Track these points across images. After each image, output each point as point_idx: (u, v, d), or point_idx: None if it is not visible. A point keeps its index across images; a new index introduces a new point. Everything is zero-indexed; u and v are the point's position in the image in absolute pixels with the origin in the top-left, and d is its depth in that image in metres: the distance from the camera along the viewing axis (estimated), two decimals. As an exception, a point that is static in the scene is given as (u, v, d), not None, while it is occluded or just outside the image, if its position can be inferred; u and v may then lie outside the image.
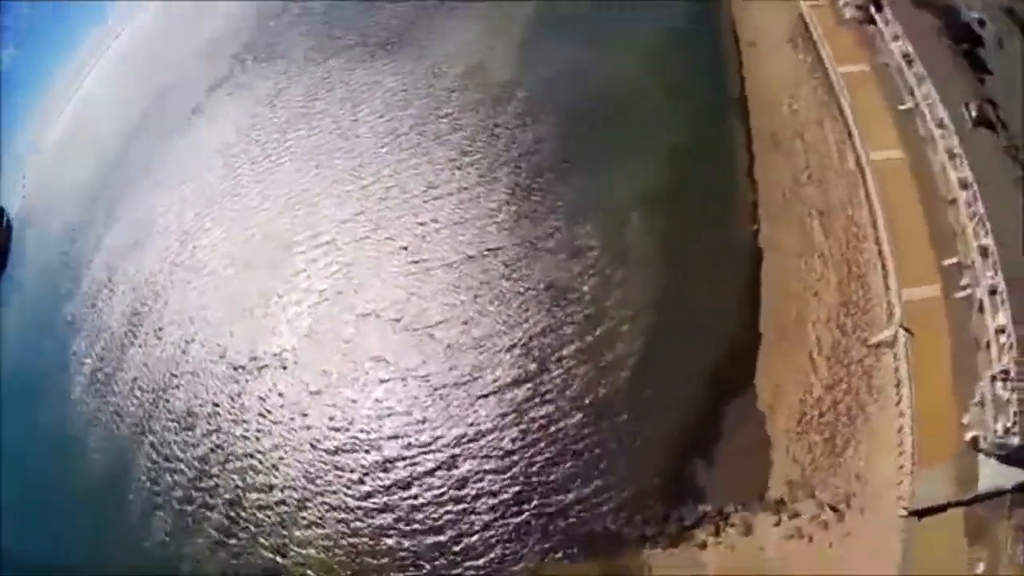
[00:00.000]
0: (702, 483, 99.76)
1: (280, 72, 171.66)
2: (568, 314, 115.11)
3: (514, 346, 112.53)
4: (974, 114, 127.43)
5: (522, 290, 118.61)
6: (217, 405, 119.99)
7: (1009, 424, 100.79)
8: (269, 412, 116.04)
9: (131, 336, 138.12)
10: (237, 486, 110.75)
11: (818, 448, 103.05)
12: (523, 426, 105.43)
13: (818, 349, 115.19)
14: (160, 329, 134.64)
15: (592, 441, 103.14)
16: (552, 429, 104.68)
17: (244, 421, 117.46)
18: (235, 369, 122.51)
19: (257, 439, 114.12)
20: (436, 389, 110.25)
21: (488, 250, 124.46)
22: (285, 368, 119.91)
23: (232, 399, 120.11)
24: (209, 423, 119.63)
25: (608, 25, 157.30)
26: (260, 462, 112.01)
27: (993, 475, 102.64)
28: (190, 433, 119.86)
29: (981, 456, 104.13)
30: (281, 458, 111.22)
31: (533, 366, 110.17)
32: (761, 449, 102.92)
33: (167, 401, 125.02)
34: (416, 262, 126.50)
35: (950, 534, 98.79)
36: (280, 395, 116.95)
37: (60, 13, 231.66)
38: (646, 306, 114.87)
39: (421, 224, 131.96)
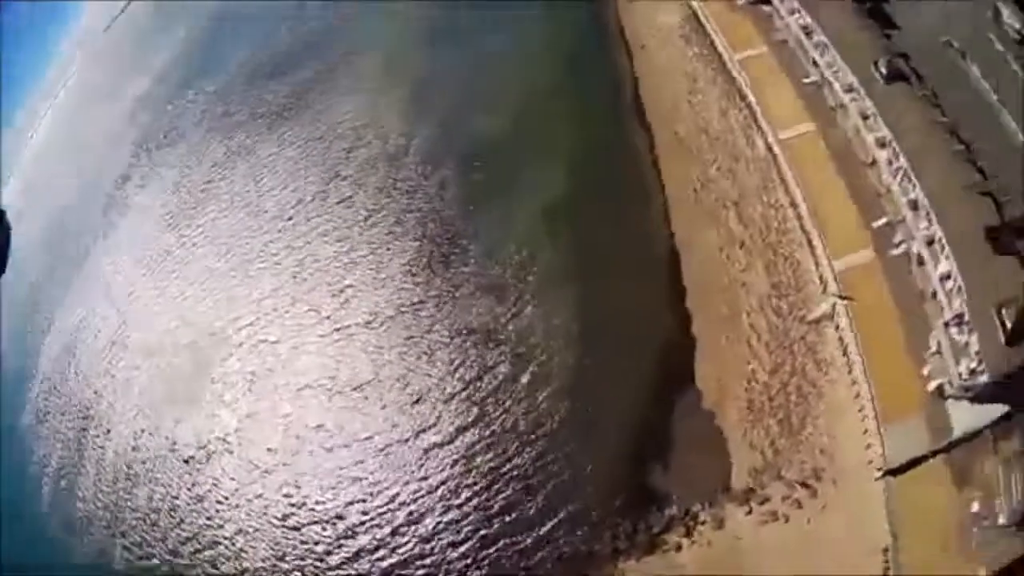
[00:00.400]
0: (663, 489, 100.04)
1: (183, 155, 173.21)
2: (498, 355, 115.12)
3: (452, 396, 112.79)
4: (884, 71, 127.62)
5: (447, 339, 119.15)
6: (176, 497, 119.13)
7: (973, 364, 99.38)
8: (226, 498, 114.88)
9: (82, 442, 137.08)
10: (209, 575, 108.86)
11: (774, 431, 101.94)
12: (475, 472, 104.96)
13: (756, 336, 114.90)
14: (108, 431, 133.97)
15: (546, 474, 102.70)
16: (504, 470, 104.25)
17: (205, 510, 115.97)
18: (186, 461, 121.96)
19: (220, 526, 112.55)
20: (381, 450, 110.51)
21: (407, 306, 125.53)
22: (231, 452, 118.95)
23: (189, 489, 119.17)
24: (172, 516, 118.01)
25: (496, 50, 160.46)
26: (227, 548, 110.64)
27: (967, 417, 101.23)
28: (157, 528, 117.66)
29: (950, 402, 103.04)
30: (248, 542, 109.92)
31: (474, 412, 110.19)
32: (716, 444, 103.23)
33: (129, 499, 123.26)
34: (339, 329, 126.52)
35: (935, 485, 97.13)
36: (232, 479, 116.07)
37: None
38: (572, 331, 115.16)
39: (338, 290, 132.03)
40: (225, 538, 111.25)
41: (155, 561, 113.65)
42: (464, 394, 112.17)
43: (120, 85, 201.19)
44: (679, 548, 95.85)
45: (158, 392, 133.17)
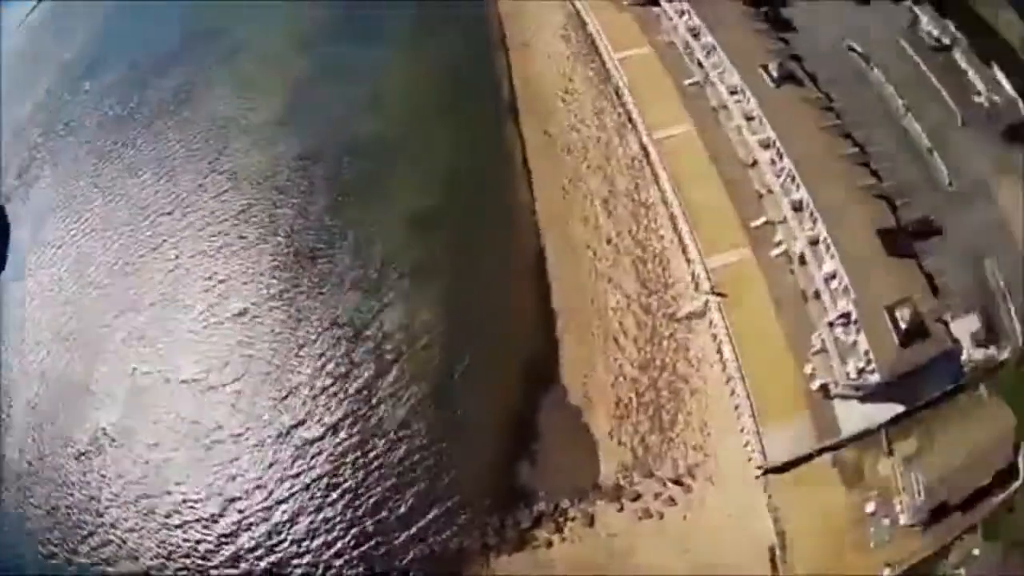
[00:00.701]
0: (531, 485, 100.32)
1: (75, 148, 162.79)
2: (365, 352, 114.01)
3: (322, 392, 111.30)
4: (775, 74, 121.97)
5: (316, 334, 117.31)
6: (71, 495, 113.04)
7: (862, 364, 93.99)
8: (116, 495, 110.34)
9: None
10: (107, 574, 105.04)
11: (644, 428, 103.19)
12: (346, 471, 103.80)
13: (623, 333, 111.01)
14: (7, 428, 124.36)
15: (415, 473, 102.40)
16: (374, 468, 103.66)
17: (97, 508, 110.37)
18: (77, 458, 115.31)
19: (113, 525, 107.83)
20: (255, 446, 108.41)
21: (276, 299, 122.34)
22: (118, 446, 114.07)
23: (81, 488, 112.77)
24: (69, 515, 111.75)
25: (376, 50, 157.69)
26: (120, 546, 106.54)
27: (856, 417, 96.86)
28: (58, 527, 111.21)
29: (837, 401, 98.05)
30: (138, 540, 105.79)
31: (343, 409, 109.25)
32: (583, 440, 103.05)
33: (32, 498, 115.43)
34: (211, 322, 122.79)
35: (823, 484, 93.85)
36: (120, 475, 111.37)
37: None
38: (438, 329, 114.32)
39: (211, 284, 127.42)
40: (118, 536, 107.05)
41: (59, 560, 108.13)
42: (333, 390, 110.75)
43: (33, 79, 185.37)
44: (550, 544, 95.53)
45: (50, 387, 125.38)
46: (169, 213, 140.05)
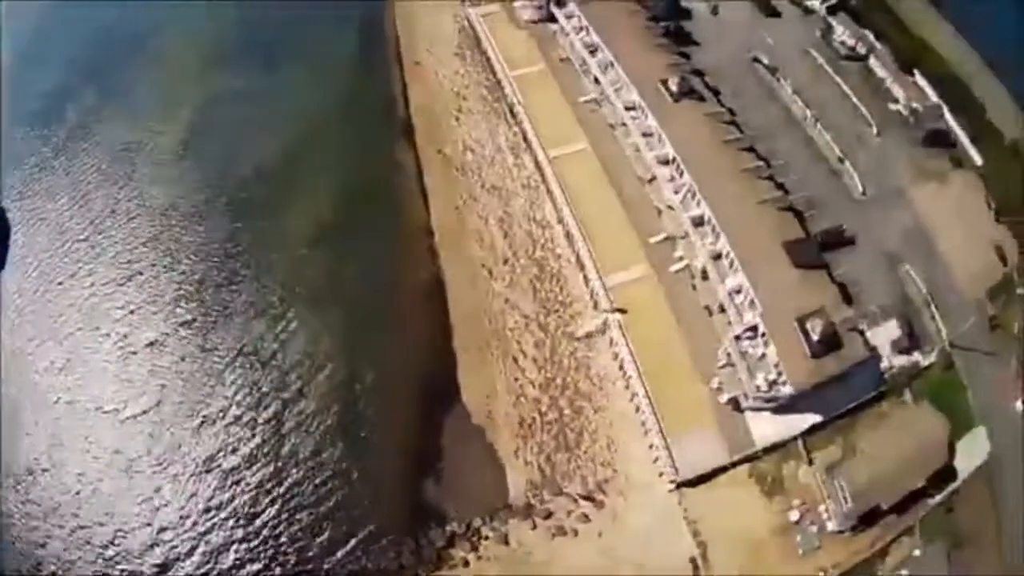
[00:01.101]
0: (440, 505, 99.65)
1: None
2: (272, 381, 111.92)
3: (235, 421, 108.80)
4: (675, 89, 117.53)
5: (224, 364, 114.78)
6: (14, 524, 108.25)
7: (772, 376, 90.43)
8: (55, 526, 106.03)
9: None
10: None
11: (550, 446, 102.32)
12: (265, 499, 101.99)
13: (522, 354, 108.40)
14: None
15: (331, 498, 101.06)
16: (291, 496, 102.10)
17: (39, 537, 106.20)
18: (15, 487, 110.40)
19: (56, 557, 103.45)
20: (175, 476, 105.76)
21: (184, 324, 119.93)
22: (49, 474, 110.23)
23: (22, 518, 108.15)
24: (17, 539, 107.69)
25: (277, 73, 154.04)
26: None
27: (771, 429, 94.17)
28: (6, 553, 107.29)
29: (749, 414, 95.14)
30: (80, 570, 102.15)
31: (256, 438, 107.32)
32: (489, 460, 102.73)
33: None
34: (122, 348, 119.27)
35: (741, 494, 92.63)
36: (55, 506, 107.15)
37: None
38: (339, 354, 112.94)
39: (123, 311, 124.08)
40: (59, 565, 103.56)
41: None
42: (246, 419, 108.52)
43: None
44: (466, 563, 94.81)
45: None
46: (84, 239, 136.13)
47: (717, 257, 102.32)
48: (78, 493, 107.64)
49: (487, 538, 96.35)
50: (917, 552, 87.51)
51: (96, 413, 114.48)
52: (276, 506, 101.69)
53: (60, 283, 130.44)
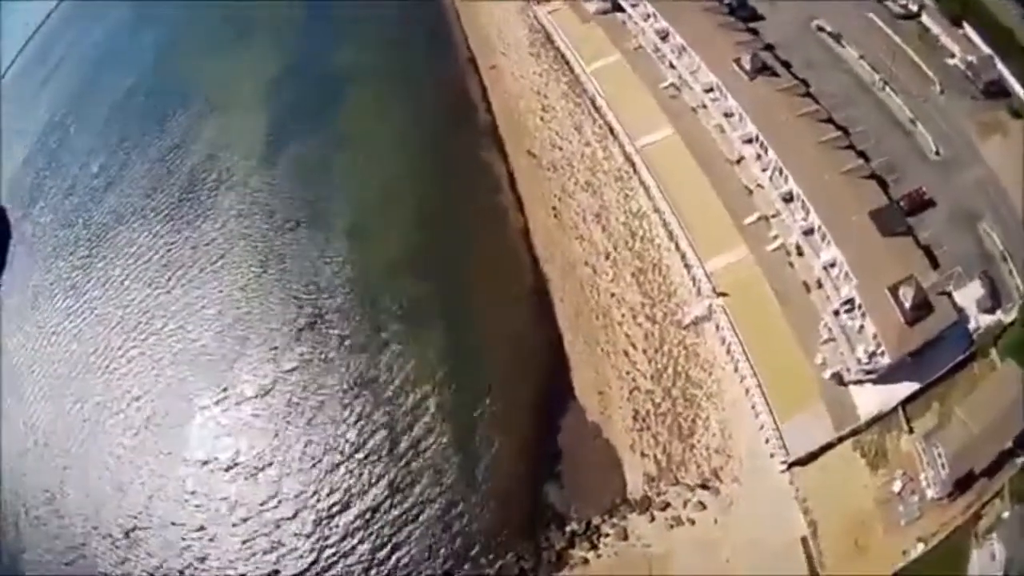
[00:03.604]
0: (560, 506, 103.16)
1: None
2: (383, 412, 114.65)
3: (358, 463, 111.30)
4: (748, 67, 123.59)
5: (337, 403, 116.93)
6: None
7: (871, 348, 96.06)
8: None
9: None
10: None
11: (664, 437, 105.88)
12: (387, 530, 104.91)
13: (632, 347, 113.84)
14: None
15: (452, 515, 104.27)
16: (417, 523, 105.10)
17: None
18: (114, 543, 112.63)
19: None
20: (302, 528, 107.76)
21: (285, 373, 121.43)
22: (153, 532, 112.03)
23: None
24: None
25: (349, 86, 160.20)
26: None
27: (873, 400, 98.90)
28: None
29: (852, 387, 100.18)
30: None
31: (382, 476, 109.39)
32: (606, 456, 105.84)
33: None
34: (228, 400, 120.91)
35: (847, 469, 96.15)
36: (160, 565, 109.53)
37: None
38: (445, 372, 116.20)
39: (224, 362, 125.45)
40: None
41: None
42: (369, 459, 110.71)
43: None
44: (586, 562, 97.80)
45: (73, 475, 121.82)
46: (168, 290, 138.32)
47: (809, 232, 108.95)
48: (189, 548, 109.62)
49: (607, 535, 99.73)
50: (1006, 514, 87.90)
51: (204, 464, 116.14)
52: (402, 536, 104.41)
53: (149, 337, 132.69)
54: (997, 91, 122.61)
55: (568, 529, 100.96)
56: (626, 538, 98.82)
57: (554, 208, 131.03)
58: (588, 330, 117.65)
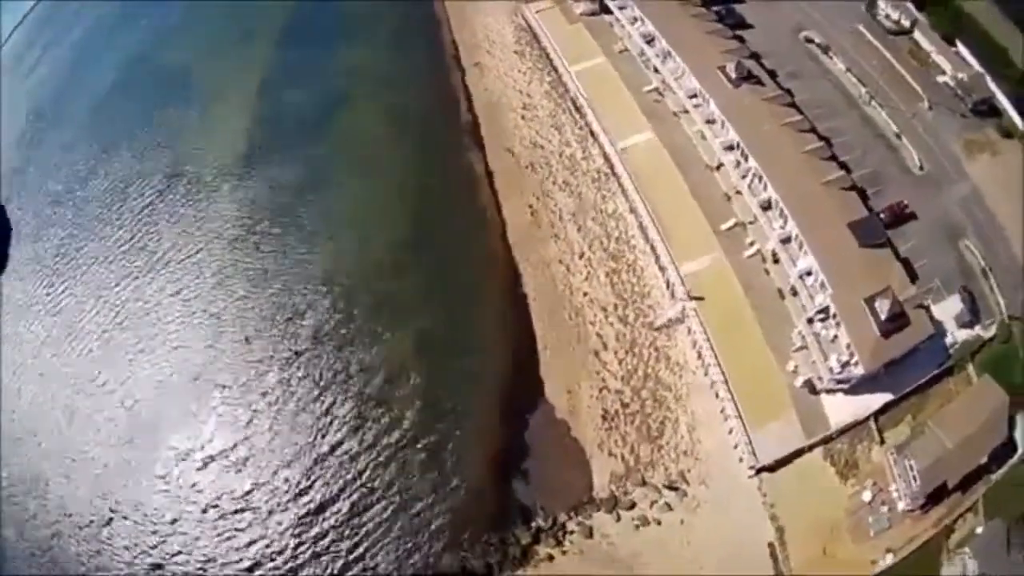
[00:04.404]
0: (526, 501, 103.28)
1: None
2: (352, 397, 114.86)
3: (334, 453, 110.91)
4: (733, 75, 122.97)
5: (315, 396, 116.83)
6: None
7: (845, 358, 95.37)
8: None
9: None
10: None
11: (633, 437, 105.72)
12: (361, 526, 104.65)
13: (603, 347, 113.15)
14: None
15: (419, 504, 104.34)
16: (376, 504, 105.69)
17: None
18: (89, 536, 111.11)
19: None
20: (279, 524, 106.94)
21: (262, 360, 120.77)
22: (126, 522, 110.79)
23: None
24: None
25: (334, 82, 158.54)
26: None
27: (845, 409, 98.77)
28: None
29: (824, 395, 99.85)
30: None
31: (351, 472, 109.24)
32: (573, 454, 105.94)
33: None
34: (198, 388, 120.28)
35: (816, 477, 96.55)
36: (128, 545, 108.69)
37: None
38: (418, 360, 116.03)
39: (201, 348, 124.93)
40: None
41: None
42: (338, 453, 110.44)
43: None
44: (551, 559, 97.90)
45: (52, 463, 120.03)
46: (149, 274, 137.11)
47: (787, 240, 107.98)
48: (155, 532, 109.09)
49: (572, 532, 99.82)
50: (979, 530, 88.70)
51: (182, 460, 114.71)
52: (372, 523, 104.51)
53: (127, 323, 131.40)
54: (986, 110, 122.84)
55: (534, 525, 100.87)
56: (591, 536, 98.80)
57: (531, 206, 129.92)
58: (560, 329, 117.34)
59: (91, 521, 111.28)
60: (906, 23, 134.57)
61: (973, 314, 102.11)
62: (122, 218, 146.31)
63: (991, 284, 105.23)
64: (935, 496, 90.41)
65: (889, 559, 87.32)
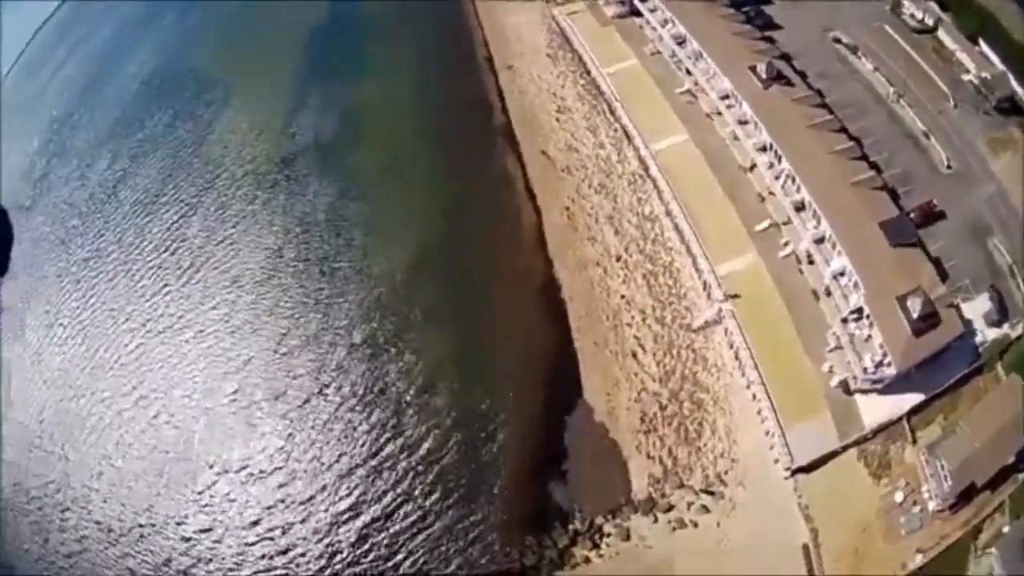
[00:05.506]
0: (564, 504, 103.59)
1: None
2: (391, 408, 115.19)
3: (380, 464, 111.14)
4: (763, 75, 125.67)
5: (343, 404, 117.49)
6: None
7: (878, 358, 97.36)
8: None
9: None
10: None
11: (671, 439, 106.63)
12: (397, 532, 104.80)
13: (641, 348, 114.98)
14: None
15: (457, 506, 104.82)
16: (426, 522, 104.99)
17: None
18: (117, 541, 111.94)
19: None
20: (313, 533, 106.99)
21: (298, 375, 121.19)
22: (155, 528, 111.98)
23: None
24: None
25: (364, 86, 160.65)
26: None
27: (878, 409, 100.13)
28: None
29: (858, 395, 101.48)
30: None
31: (390, 481, 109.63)
32: (612, 456, 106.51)
33: None
34: (236, 404, 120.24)
35: (850, 477, 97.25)
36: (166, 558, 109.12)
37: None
38: (456, 367, 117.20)
39: (233, 362, 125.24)
40: None
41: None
42: (374, 461, 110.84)
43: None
44: (588, 561, 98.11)
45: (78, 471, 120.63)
46: (180, 287, 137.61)
47: (820, 241, 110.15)
48: (194, 547, 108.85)
49: (609, 535, 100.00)
50: (1006, 529, 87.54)
51: (213, 467, 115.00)
52: (408, 530, 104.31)
53: (162, 336, 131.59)
54: (1010, 108, 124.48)
55: (571, 528, 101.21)
56: (628, 539, 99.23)
57: (567, 209, 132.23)
58: (598, 331, 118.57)
59: (121, 532, 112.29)
60: (930, 22, 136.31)
61: (1001, 312, 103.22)
62: (152, 229, 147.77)
63: (1018, 282, 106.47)
64: (965, 496, 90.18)
65: (919, 560, 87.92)
